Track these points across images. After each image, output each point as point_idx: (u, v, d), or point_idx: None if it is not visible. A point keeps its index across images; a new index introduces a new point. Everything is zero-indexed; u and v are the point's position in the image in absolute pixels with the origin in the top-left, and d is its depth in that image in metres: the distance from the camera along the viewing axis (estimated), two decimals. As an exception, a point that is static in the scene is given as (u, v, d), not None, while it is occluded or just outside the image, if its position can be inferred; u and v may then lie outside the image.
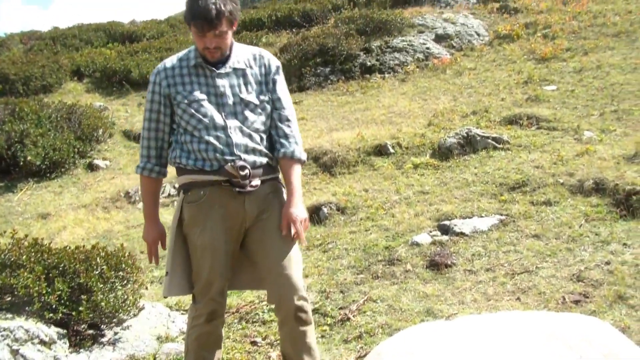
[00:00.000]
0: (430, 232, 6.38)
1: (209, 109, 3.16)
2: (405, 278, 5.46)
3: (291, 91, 14.74)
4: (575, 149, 7.98)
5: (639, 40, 13.35)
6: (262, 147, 3.21)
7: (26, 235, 4.93)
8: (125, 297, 4.75)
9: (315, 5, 20.41)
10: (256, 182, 3.17)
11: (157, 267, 6.33)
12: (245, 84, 3.23)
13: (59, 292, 4.31)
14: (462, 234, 6.20)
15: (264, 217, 3.24)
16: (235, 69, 3.23)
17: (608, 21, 14.90)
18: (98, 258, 4.73)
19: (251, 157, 3.16)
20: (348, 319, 4.83)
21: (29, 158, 10.82)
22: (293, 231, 3.17)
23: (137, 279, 4.98)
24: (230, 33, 3.14)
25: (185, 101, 3.17)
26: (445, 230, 6.37)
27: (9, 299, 4.47)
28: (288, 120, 3.32)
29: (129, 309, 4.76)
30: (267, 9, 21.58)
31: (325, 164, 9.19)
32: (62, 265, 4.55)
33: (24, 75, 15.86)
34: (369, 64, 15.34)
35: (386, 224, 6.82)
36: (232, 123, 3.15)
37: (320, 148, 9.50)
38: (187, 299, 5.34)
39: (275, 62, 3.37)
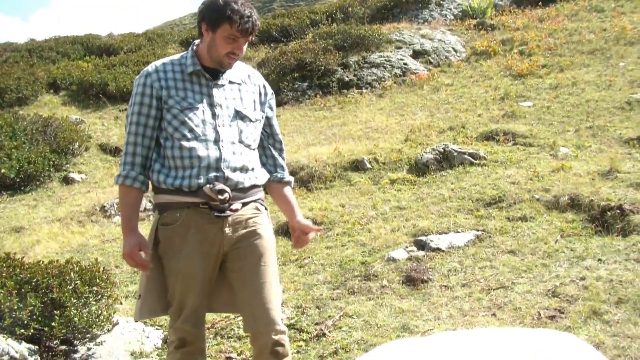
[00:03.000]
0: (407, 247, 6.38)
1: (202, 118, 3.03)
2: (382, 293, 5.45)
3: (269, 106, 14.82)
4: (551, 164, 8.04)
5: (613, 57, 13.52)
6: (251, 164, 3.12)
7: (-2, 250, 4.87)
8: (99, 312, 4.70)
9: (293, 20, 20.47)
10: (237, 205, 3.04)
11: (132, 282, 6.27)
12: (241, 99, 3.16)
13: (31, 308, 4.25)
14: (438, 249, 6.20)
15: (244, 244, 3.07)
16: (231, 82, 3.15)
17: (583, 39, 15.08)
18: (72, 273, 4.69)
19: (237, 176, 3.04)
20: (324, 334, 4.80)
21: (2, 171, 10.70)
22: (311, 235, 3.32)
23: (112, 294, 4.93)
24: None
25: (178, 107, 3.02)
26: (421, 245, 6.37)
27: (-21, 314, 4.39)
28: (281, 149, 3.39)
29: (102, 324, 4.70)
30: (245, 23, 21.57)
31: (302, 179, 9.18)
32: (34, 280, 4.49)
33: (-2, 87, 15.68)
34: (346, 79, 15.38)
35: (362, 240, 6.81)
36: (225, 136, 3.04)
37: (297, 163, 9.49)
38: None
39: (269, 87, 3.35)
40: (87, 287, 4.67)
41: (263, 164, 3.30)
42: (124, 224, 3.12)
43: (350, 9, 21.18)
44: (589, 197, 6.75)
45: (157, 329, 5.22)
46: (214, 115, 3.05)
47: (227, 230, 3.04)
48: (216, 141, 3.01)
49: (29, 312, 4.25)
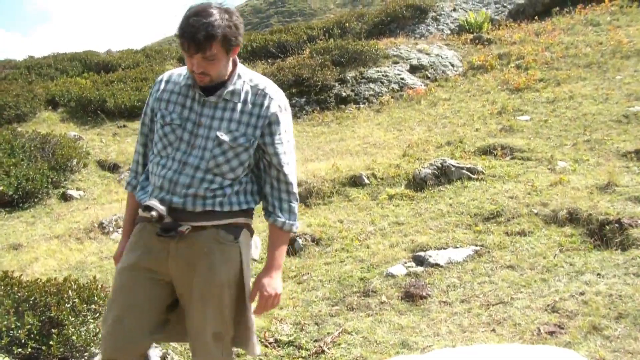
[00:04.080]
0: (405, 263, 6.37)
1: (180, 136, 2.85)
2: (380, 310, 5.44)
3: (267, 121, 14.83)
4: (549, 179, 8.04)
5: (610, 71, 13.56)
6: (217, 193, 2.84)
7: (-5, 269, 4.86)
8: (97, 330, 4.68)
9: (290, 36, 20.53)
10: (184, 228, 2.79)
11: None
12: (230, 120, 2.83)
13: (28, 327, 4.25)
14: (437, 265, 6.19)
15: (188, 270, 2.85)
16: (226, 100, 2.85)
17: (580, 52, 15.13)
18: (70, 291, 4.69)
19: (186, 202, 2.81)
20: (323, 351, 4.79)
21: (1, 188, 10.68)
22: (255, 305, 2.95)
23: (107, 312, 4.91)
24: (224, 60, 2.78)
25: (161, 121, 2.89)
26: (420, 261, 6.36)
27: (-23, 333, 4.38)
28: (287, 182, 2.94)
29: (101, 342, 4.68)
30: (242, 39, 21.63)
31: (300, 195, 9.11)
32: (32, 298, 4.49)
33: (-3, 105, 15.70)
34: (344, 94, 15.42)
35: (361, 255, 6.80)
36: (192, 160, 2.81)
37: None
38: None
39: (274, 107, 2.89)
40: (85, 305, 4.67)
41: (266, 199, 3.00)
42: (123, 225, 3.25)
43: (347, 24, 21.27)
44: (587, 211, 6.75)
45: (155, 346, 5.19)
46: (193, 135, 2.85)
47: (173, 251, 2.84)
48: (182, 163, 2.82)
49: (27, 330, 4.25)
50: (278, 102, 2.92)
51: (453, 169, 8.76)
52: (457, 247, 6.59)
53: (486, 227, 7.00)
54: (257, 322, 5.29)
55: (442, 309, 5.29)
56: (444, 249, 6.58)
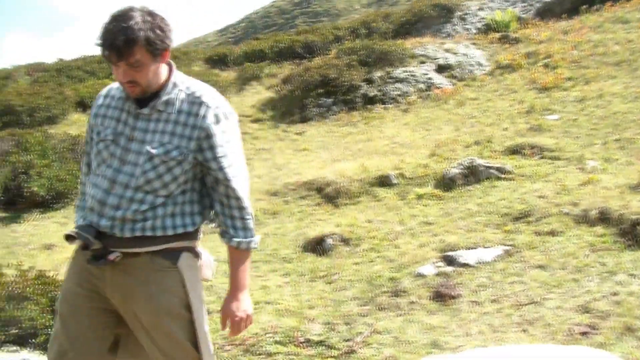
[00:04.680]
0: (435, 263, 6.37)
1: (112, 153, 2.59)
2: (411, 309, 5.44)
3: (294, 122, 14.88)
4: (579, 178, 7.98)
5: (640, 69, 13.42)
6: (149, 213, 2.57)
7: (31, 267, 4.94)
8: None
9: (317, 36, 20.56)
10: (114, 255, 2.53)
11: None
12: (162, 132, 2.57)
13: (63, 325, 4.30)
14: (466, 264, 6.18)
15: (134, 310, 2.60)
16: (159, 111, 2.58)
17: (609, 50, 14.98)
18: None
19: (116, 225, 2.54)
20: (353, 351, 4.79)
21: (34, 189, 10.83)
22: (229, 331, 2.72)
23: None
24: (152, 65, 2.52)
25: (96, 137, 2.66)
26: (449, 261, 6.35)
27: (15, 331, 4.46)
28: (237, 197, 2.64)
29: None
30: (268, 40, 21.73)
31: (328, 195, 9.19)
32: (67, 297, 4.54)
33: (29, 107, 15.99)
34: (371, 94, 15.41)
35: (390, 255, 6.80)
36: (122, 177, 2.56)
37: (323, 179, 9.51)
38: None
39: (211, 116, 2.59)
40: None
41: (217, 219, 2.73)
42: None
43: (373, 24, 21.25)
44: (618, 210, 6.69)
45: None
46: (125, 150, 2.58)
47: (109, 279, 2.58)
48: (112, 182, 2.56)
49: (63, 329, 4.30)
50: (216, 110, 2.60)
51: (482, 168, 8.74)
52: (486, 247, 6.57)
53: (516, 226, 6.97)
54: (287, 321, 5.34)
55: (472, 309, 5.28)
56: (474, 248, 6.56)
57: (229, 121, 2.65)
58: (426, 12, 20.95)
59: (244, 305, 2.69)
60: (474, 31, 19.96)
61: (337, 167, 10.16)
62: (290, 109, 15.56)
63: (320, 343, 4.99)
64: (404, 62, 16.61)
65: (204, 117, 2.57)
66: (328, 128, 14.23)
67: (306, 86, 15.80)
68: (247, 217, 2.69)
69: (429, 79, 15.85)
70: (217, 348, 4.95)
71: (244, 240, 2.68)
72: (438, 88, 15.39)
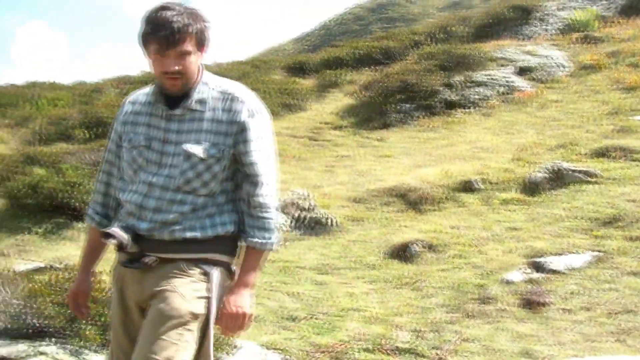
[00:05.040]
0: (523, 269, 6.30)
1: (147, 157, 2.59)
2: (500, 317, 5.40)
3: (374, 128, 14.89)
4: (671, 181, 7.77)
5: None
6: (189, 215, 2.55)
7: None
8: (221, 337, 4.83)
9: (394, 42, 20.53)
10: (150, 259, 2.53)
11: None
12: (198, 131, 2.56)
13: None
14: (555, 271, 6.10)
15: (150, 303, 2.54)
16: (192, 111, 2.58)
17: (697, 47, 14.51)
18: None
19: (154, 227, 2.54)
20: (442, 359, 4.79)
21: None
22: (224, 328, 2.61)
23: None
24: (196, 58, 2.54)
25: (127, 144, 2.64)
26: (537, 267, 6.28)
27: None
28: (262, 194, 2.58)
29: (225, 347, 4.83)
30: (347, 47, 21.79)
31: (411, 201, 9.18)
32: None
33: (117, 120, 16.42)
34: (451, 99, 15.28)
35: (477, 262, 6.76)
36: (159, 180, 2.55)
37: (406, 185, 9.51)
38: (280, 338, 5.41)
39: (245, 111, 2.58)
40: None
41: (241, 216, 2.65)
42: (80, 262, 2.94)
43: (451, 28, 21.09)
44: None
45: (278, 352, 5.32)
46: (160, 153, 2.58)
47: (141, 282, 2.56)
48: (148, 185, 2.56)
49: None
50: (249, 105, 2.60)
51: (567, 172, 8.59)
52: (575, 253, 6.46)
53: (605, 232, 6.84)
54: (374, 329, 5.37)
55: (563, 316, 5.21)
56: (562, 254, 6.46)
57: (262, 117, 2.65)
58: (504, 14, 20.67)
59: (242, 300, 2.54)
60: (554, 32, 19.58)
61: (419, 173, 10.14)
62: (370, 115, 15.58)
63: (408, 351, 5.01)
64: (484, 65, 16.43)
65: (239, 112, 2.56)
66: (409, 134, 14.19)
67: (386, 92, 15.79)
68: (268, 217, 2.60)
69: (510, 81, 15.63)
70: (305, 355, 5.02)
71: (261, 240, 2.59)
72: (519, 91, 15.15)
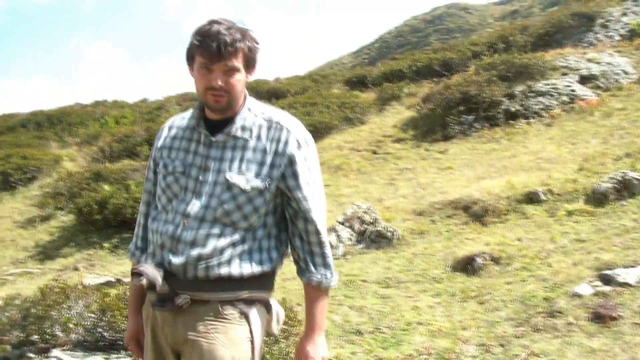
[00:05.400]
0: (591, 282, 6.19)
1: (185, 185, 2.39)
2: (568, 331, 5.32)
3: (435, 140, 14.87)
4: None
5: None
6: (227, 251, 2.33)
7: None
8: (288, 350, 4.89)
9: (454, 53, 20.47)
10: (182, 300, 2.31)
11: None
12: (241, 160, 2.36)
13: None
14: (626, 284, 5.97)
15: (186, 351, 2.37)
16: (235, 138, 2.38)
17: None
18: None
19: (187, 263, 2.31)
20: (512, 373, 4.76)
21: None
22: None
23: (299, 332, 5.12)
24: (243, 77, 2.35)
25: (164, 171, 2.47)
26: (607, 280, 6.16)
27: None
28: (317, 232, 2.40)
29: (290, 362, 4.89)
30: (406, 59, 21.82)
31: (475, 213, 9.13)
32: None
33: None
34: (512, 109, 15.16)
35: (543, 274, 6.68)
36: (195, 209, 2.34)
37: (469, 197, 9.46)
38: (346, 352, 5.43)
39: (294, 142, 2.37)
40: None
41: (294, 253, 2.46)
42: (129, 305, 2.73)
43: (511, 38, 20.91)
44: None
45: (344, 366, 5.35)
46: (199, 182, 2.38)
47: (173, 324, 2.37)
48: (183, 215, 2.35)
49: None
50: (297, 135, 2.38)
51: (635, 182, 8.43)
52: (646, 265, 6.33)
53: (677, 243, 6.69)
54: (440, 342, 5.36)
55: (636, 331, 5.10)
56: (633, 267, 6.33)
57: (309, 147, 2.43)
58: (565, 21, 20.43)
59: (320, 349, 2.41)
60: (618, 38, 19.27)
61: (482, 185, 10.07)
62: (431, 127, 15.56)
63: (476, 365, 4.99)
64: (545, 74, 16.26)
65: (286, 142, 2.36)
66: (471, 145, 14.12)
67: (447, 104, 15.77)
68: (328, 252, 2.44)
69: (572, 90, 15.43)
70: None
71: (325, 280, 2.42)
72: (582, 100, 14.94)
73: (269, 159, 2.35)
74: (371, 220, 9.27)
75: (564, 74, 16.27)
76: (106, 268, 10.12)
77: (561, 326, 5.43)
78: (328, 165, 14.30)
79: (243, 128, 2.38)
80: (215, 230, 2.32)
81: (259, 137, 2.37)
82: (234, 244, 2.33)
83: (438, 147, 14.41)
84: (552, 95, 15.35)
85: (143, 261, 2.43)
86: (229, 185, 2.32)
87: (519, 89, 15.76)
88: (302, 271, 2.43)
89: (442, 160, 13.47)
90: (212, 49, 2.25)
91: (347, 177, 13.56)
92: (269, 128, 2.39)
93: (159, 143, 2.55)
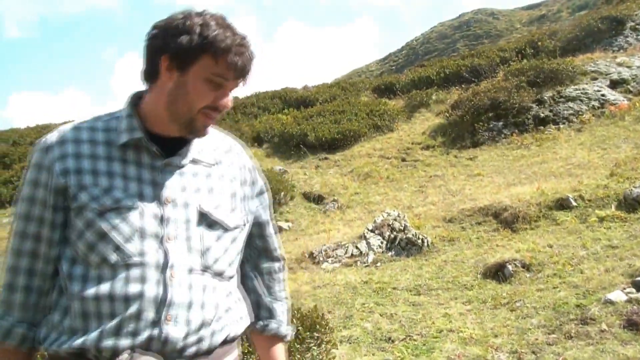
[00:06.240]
0: (624, 289, 6.15)
1: (140, 225, 1.73)
2: (601, 339, 5.29)
3: (465, 147, 14.85)
4: None
5: None
6: (223, 306, 1.84)
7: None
8: (320, 357, 4.93)
9: (482, 59, 20.41)
10: None
11: (345, 327, 6.49)
12: (210, 190, 1.86)
13: (259, 352, 4.54)
14: (660, 291, 5.93)
15: None
16: (195, 162, 1.86)
17: None
18: (294, 319, 4.96)
19: (191, 334, 1.74)
20: (544, 380, 4.75)
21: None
22: None
23: (330, 339, 5.16)
24: None
25: (96, 205, 1.71)
26: (640, 286, 6.13)
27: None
28: (280, 269, 2.09)
29: (323, 370, 4.92)
30: (434, 66, 21.82)
31: (505, 220, 9.10)
32: (261, 325, 4.79)
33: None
34: (542, 115, 15.10)
35: (575, 281, 6.64)
36: (178, 258, 1.74)
37: (499, 204, 9.43)
38: (378, 359, 5.46)
39: (255, 169, 2.05)
40: (308, 332, 4.92)
41: (251, 297, 2.07)
42: None
43: (539, 43, 20.80)
44: None
45: (377, 373, 5.38)
46: (161, 221, 1.75)
47: None
48: (161, 268, 1.72)
49: (258, 356, 4.54)
50: (256, 167, 2.07)
51: (668, 188, 8.37)
52: (680, 272, 6.28)
53: None
54: (472, 350, 5.36)
55: (670, 338, 5.07)
56: (666, 273, 6.29)
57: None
58: (595, 25, 20.29)
59: None
60: (650, 41, 19.10)
61: (512, 191, 10.04)
62: (460, 134, 15.54)
63: (508, 372, 4.99)
64: (575, 79, 16.16)
65: (251, 170, 2.02)
66: (500, 152, 14.07)
67: (475, 110, 15.74)
68: (288, 297, 2.11)
69: (602, 95, 15.32)
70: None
71: (289, 328, 2.10)
72: (613, 104, 14.83)
73: (239, 190, 1.95)
74: (401, 228, 9.29)
75: (594, 79, 16.17)
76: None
77: (594, 333, 5.40)
78: (357, 173, 14.34)
79: (202, 151, 1.89)
80: (209, 283, 1.80)
81: (220, 163, 1.92)
82: (223, 299, 1.85)
83: (467, 154, 14.39)
84: (582, 100, 15.25)
85: (136, 347, 1.68)
86: (210, 223, 1.82)
87: (548, 94, 15.68)
88: (265, 317, 2.06)
89: (472, 167, 13.44)
90: (238, 63, 1.74)
91: (377, 185, 13.58)
92: (227, 152, 1.96)
93: (68, 165, 1.75)
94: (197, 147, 1.86)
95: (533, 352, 5.29)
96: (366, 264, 8.77)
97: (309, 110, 19.63)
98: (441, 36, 61.62)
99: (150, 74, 1.79)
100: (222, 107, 1.78)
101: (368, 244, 9.23)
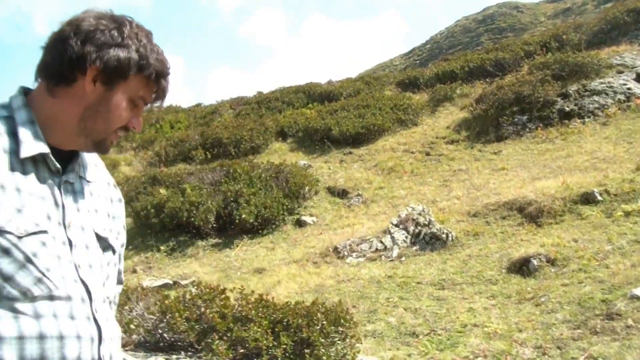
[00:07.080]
0: (650, 284, 6.13)
1: (55, 253, 1.51)
2: (628, 334, 5.27)
3: (489, 141, 14.80)
4: None
5: None
6: (118, 340, 1.73)
7: (252, 291, 5.33)
8: (345, 351, 4.96)
9: (507, 53, 20.28)
10: None
11: (369, 321, 6.52)
12: (96, 212, 1.70)
13: (284, 346, 4.60)
14: (686, 285, 5.90)
15: None
16: (80, 178, 1.67)
17: None
18: (318, 313, 5.00)
19: None
20: (569, 375, 4.74)
21: (243, 216, 11.53)
22: None
23: (355, 334, 5.19)
24: None
25: (15, 231, 1.44)
26: (667, 282, 6.09)
27: (241, 350, 4.80)
28: (115, 308, 1.83)
29: (347, 363, 4.95)
30: (459, 60, 21.72)
31: (530, 214, 9.07)
32: (285, 319, 4.85)
33: (235, 139, 17.14)
34: (567, 109, 14.98)
35: (600, 276, 6.61)
36: (96, 291, 1.60)
37: (524, 198, 9.40)
38: (402, 354, 5.48)
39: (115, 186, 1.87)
40: (332, 327, 4.96)
41: None
42: None
43: (564, 36, 20.62)
44: None
45: (401, 367, 5.40)
46: (70, 246, 1.55)
47: None
48: (87, 301, 1.56)
49: (283, 350, 4.61)
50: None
51: (695, 182, 8.29)
52: None
53: None
54: (497, 344, 5.37)
55: (697, 333, 5.04)
56: (692, 268, 6.25)
57: None
58: (620, 18, 20.08)
59: None
60: (677, 33, 18.87)
61: (537, 186, 9.99)
62: (484, 128, 15.47)
63: (533, 367, 4.98)
64: (600, 73, 16.02)
65: (115, 186, 1.85)
66: (525, 146, 14.00)
67: (500, 104, 15.66)
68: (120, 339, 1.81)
69: (628, 89, 15.17)
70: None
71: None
72: (639, 98, 14.68)
73: (112, 210, 1.77)
74: (425, 222, 9.29)
75: (620, 72, 16.01)
76: (163, 270, 10.34)
77: (620, 329, 5.38)
78: (381, 168, 14.33)
79: (84, 166, 1.70)
80: (110, 313, 1.68)
81: (96, 180, 1.74)
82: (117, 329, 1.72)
83: (491, 148, 14.33)
84: (607, 94, 15.12)
85: None
86: (104, 247, 1.68)
87: (573, 88, 15.56)
88: None
89: (496, 161, 13.38)
90: (167, 88, 1.66)
91: (401, 179, 13.57)
92: (96, 166, 1.77)
93: None
94: (81, 163, 1.67)
95: (558, 347, 5.28)
96: (390, 259, 8.78)
97: (333, 104, 19.60)
98: (465, 30, 61.22)
99: (63, 76, 1.53)
100: (132, 127, 1.64)
101: (392, 238, 9.24)
